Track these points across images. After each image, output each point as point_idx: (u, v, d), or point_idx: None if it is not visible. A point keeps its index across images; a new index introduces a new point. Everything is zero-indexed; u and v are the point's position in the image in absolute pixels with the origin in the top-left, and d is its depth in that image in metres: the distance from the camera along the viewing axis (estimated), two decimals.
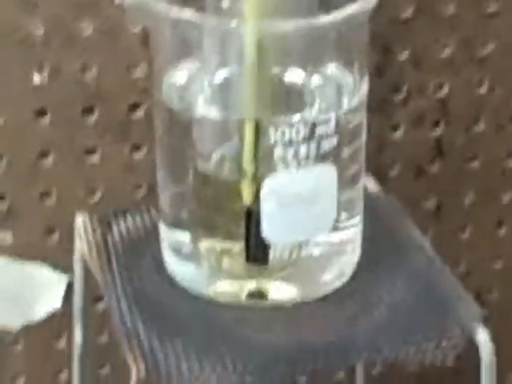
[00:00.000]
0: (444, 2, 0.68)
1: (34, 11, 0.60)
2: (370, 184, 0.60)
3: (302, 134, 0.45)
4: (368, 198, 0.55)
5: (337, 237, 0.51)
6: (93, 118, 0.65)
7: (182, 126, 0.48)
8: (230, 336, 0.48)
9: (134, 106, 0.65)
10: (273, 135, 0.45)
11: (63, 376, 0.73)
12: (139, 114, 0.66)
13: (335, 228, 0.50)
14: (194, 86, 0.49)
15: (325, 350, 0.47)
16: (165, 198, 0.52)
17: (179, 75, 0.49)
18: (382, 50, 0.66)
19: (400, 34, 0.67)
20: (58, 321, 0.68)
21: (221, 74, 0.48)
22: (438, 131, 0.72)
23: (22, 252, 0.67)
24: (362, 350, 0.48)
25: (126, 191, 0.68)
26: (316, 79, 0.49)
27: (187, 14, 0.44)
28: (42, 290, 0.68)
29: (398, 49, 0.68)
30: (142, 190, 0.68)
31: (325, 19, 0.44)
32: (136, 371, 0.44)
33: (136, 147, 0.67)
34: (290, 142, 0.45)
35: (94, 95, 0.64)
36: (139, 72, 0.64)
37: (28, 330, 0.68)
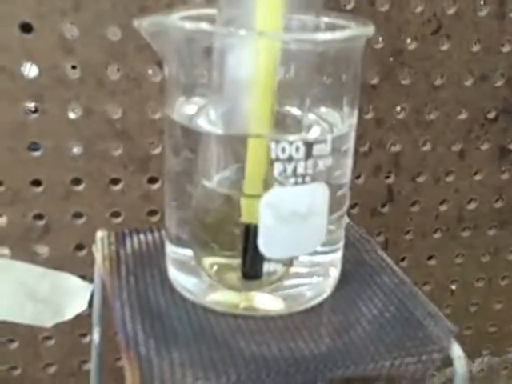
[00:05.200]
0: (402, 74, 0.56)
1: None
2: None
3: (301, 152, 0.31)
4: None
5: (321, 258, 0.37)
6: (118, 153, 0.52)
7: (186, 144, 0.34)
8: (225, 345, 0.33)
9: (153, 144, 0.52)
10: (274, 151, 0.31)
11: (87, 366, 0.59)
12: (157, 151, 0.53)
13: (321, 252, 0.36)
14: (202, 112, 0.35)
15: (315, 360, 0.33)
16: (169, 216, 0.38)
17: (189, 107, 0.35)
18: None
19: (367, 97, 0.56)
20: (85, 320, 0.54)
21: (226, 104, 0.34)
22: (390, 180, 0.60)
23: (56, 264, 0.54)
24: (352, 361, 0.33)
25: (143, 216, 0.54)
26: (311, 115, 0.35)
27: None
28: (71, 296, 0.55)
29: (364, 110, 0.56)
30: (156, 216, 0.55)
31: (325, 36, 0.30)
32: (130, 377, 0.29)
33: (153, 179, 0.54)
34: (290, 159, 0.31)
35: (120, 133, 0.51)
36: (158, 115, 0.51)
37: (59, 327, 0.56)
